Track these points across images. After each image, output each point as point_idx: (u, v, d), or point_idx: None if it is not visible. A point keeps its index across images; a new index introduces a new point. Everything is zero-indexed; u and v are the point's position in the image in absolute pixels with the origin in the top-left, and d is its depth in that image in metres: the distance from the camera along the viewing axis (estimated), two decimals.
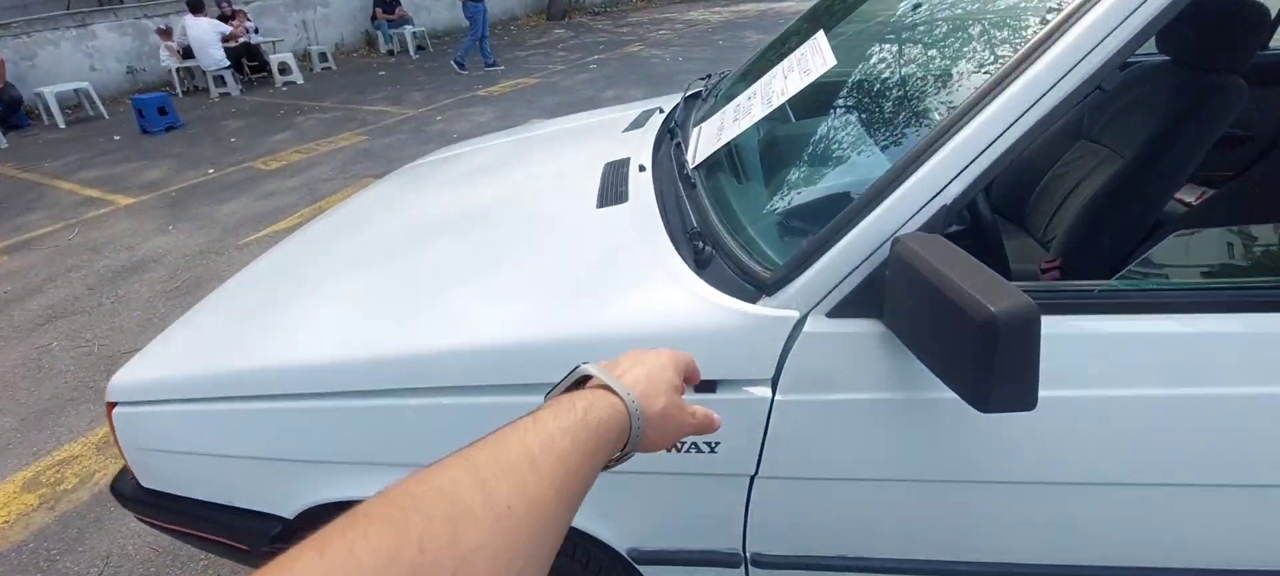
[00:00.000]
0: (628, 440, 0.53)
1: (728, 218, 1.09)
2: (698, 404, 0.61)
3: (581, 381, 0.55)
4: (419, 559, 0.34)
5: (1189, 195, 1.99)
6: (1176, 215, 1.80)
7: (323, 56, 10.09)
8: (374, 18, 10.96)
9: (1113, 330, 0.83)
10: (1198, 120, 1.50)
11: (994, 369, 0.62)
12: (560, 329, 0.95)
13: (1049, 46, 0.79)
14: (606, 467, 0.52)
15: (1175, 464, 0.87)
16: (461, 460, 0.41)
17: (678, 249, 1.06)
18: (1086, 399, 0.84)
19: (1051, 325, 0.75)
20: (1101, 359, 0.84)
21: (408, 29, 10.74)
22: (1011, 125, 0.80)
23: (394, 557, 0.33)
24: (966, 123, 0.82)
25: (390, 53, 10.81)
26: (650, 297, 0.96)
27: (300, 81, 9.14)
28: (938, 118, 0.85)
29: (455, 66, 8.92)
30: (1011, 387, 0.63)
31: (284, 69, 9.12)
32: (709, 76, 2.00)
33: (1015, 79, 0.80)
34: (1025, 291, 0.81)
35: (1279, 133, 2.06)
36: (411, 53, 10.64)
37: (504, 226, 1.31)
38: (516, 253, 1.19)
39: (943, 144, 0.82)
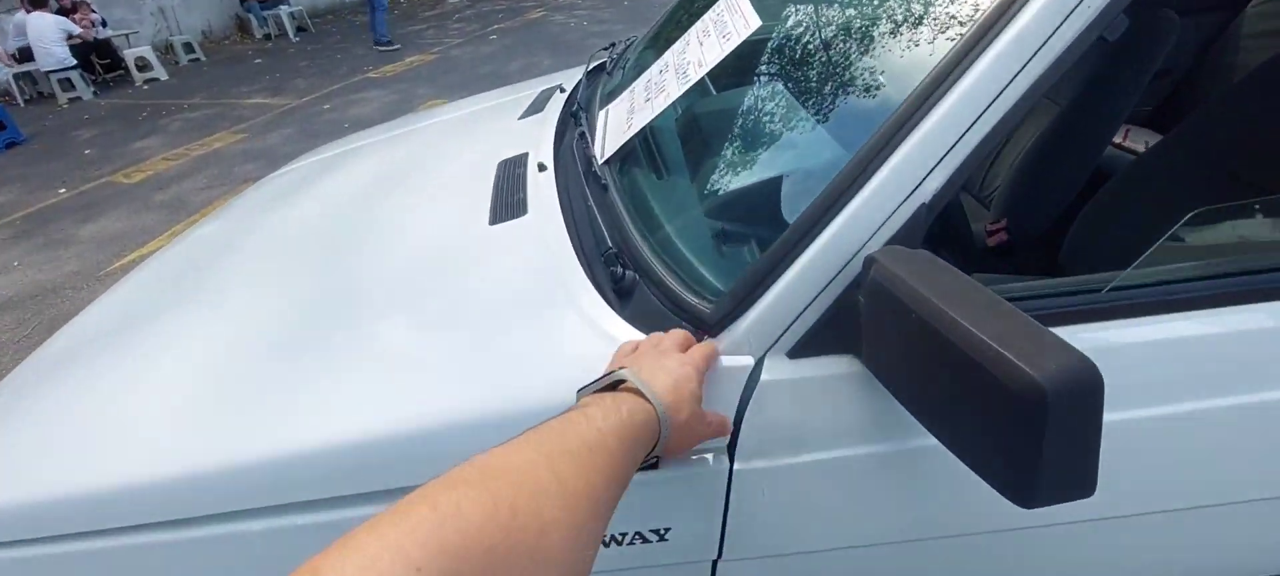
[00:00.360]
0: (655, 445, 0.57)
1: (650, 229, 0.88)
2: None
3: (615, 382, 0.59)
4: (511, 522, 0.39)
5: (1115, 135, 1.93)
6: (1119, 160, 1.73)
7: (188, 47, 9.09)
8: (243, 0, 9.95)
9: (1135, 338, 0.68)
10: (1134, 58, 1.41)
11: (1042, 454, 0.45)
12: (442, 414, 0.72)
13: None
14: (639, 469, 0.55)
15: (1230, 482, 0.74)
16: (529, 445, 0.46)
17: (592, 276, 0.84)
18: (1124, 422, 0.69)
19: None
20: (1129, 371, 0.68)
21: (284, 9, 9.82)
22: (1000, 93, 0.62)
23: (491, 517, 0.39)
24: (943, 95, 0.63)
25: (267, 37, 9.85)
26: (560, 351, 0.74)
27: (164, 77, 8.19)
28: (905, 89, 0.66)
29: (381, 48, 8.21)
30: (1064, 474, 0.46)
31: (143, 65, 8.15)
32: (613, 45, 1.76)
33: (999, 34, 0.62)
34: (1011, 298, 0.64)
35: (1195, 63, 2.02)
36: (291, 35, 9.74)
37: (376, 261, 1.05)
38: (391, 300, 0.93)
39: (915, 125, 0.64)
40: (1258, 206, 0.78)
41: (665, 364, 0.61)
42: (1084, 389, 0.44)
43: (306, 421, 0.76)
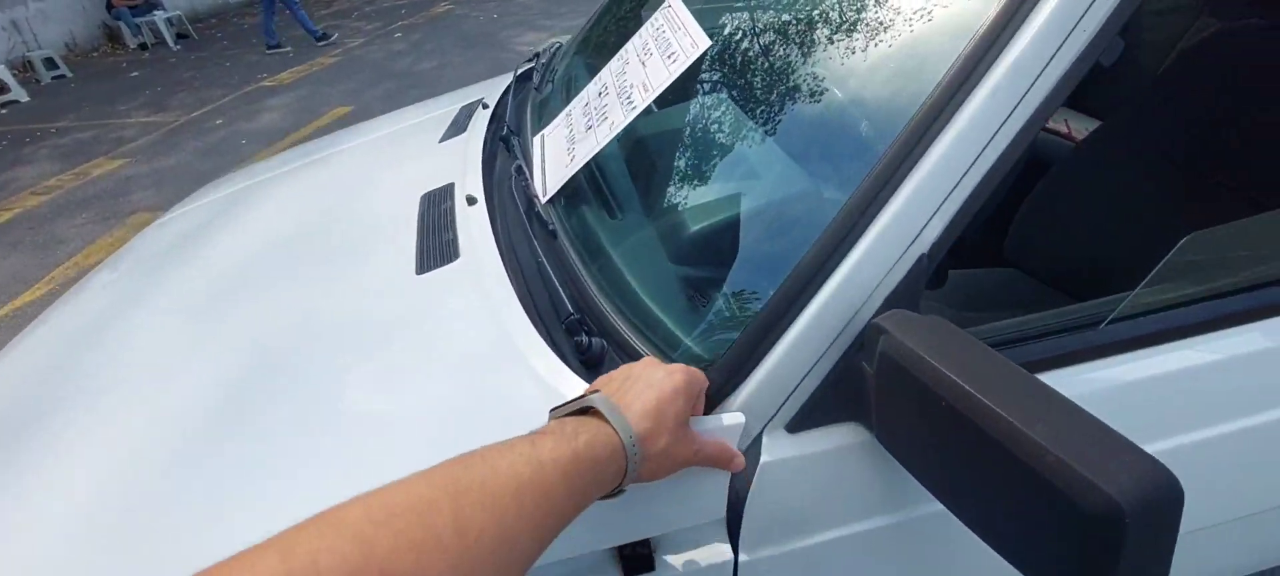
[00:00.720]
0: (623, 477, 0.50)
1: (612, 283, 0.79)
2: None
3: (586, 407, 0.52)
4: None
5: None
6: (1044, 144, 1.76)
7: (50, 63, 8.17)
8: (110, 7, 9.03)
9: (1142, 373, 0.65)
10: None
11: (1115, 574, 0.40)
12: None
13: (1035, 7, 0.56)
14: (602, 498, 0.51)
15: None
16: (446, 477, 0.41)
17: (549, 339, 0.74)
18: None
19: (1054, 381, 0.55)
20: (1138, 408, 0.65)
21: (159, 15, 8.97)
22: (999, 128, 0.57)
23: (353, 575, 0.33)
24: (940, 133, 0.57)
25: (143, 47, 8.98)
26: (519, 429, 0.65)
27: (25, 99, 7.33)
28: (896, 126, 0.60)
29: (316, 40, 7.57)
30: None
31: None
32: (538, 55, 1.64)
33: (993, 64, 0.57)
34: (1006, 342, 0.59)
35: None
36: (170, 43, 8.92)
37: (289, 331, 0.90)
38: (308, 384, 0.79)
39: (911, 168, 0.57)
40: (1247, 224, 0.77)
41: (651, 377, 0.55)
42: (1165, 504, 0.39)
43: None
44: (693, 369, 0.59)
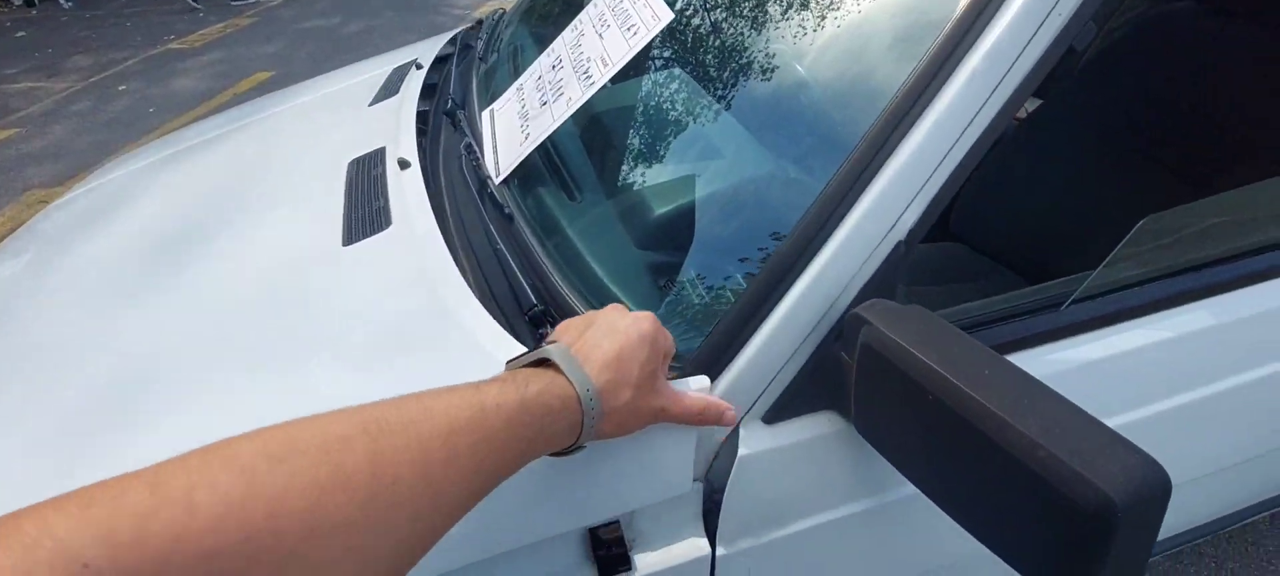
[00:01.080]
0: (579, 432, 0.47)
1: (577, 270, 0.75)
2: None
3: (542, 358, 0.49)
4: (260, 524, 0.30)
5: None
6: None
7: None
8: None
9: (1104, 351, 0.67)
10: None
11: (1103, 568, 0.40)
12: None
13: None
14: (555, 454, 0.48)
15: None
16: (368, 416, 0.36)
17: (499, 314, 0.70)
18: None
19: (1021, 361, 0.56)
20: (1101, 382, 0.67)
21: None
22: (976, 114, 0.56)
23: (231, 514, 0.30)
24: (918, 119, 0.56)
25: (28, 3, 8.13)
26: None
27: None
28: (873, 112, 0.58)
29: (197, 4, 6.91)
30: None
31: None
32: (479, 22, 1.56)
33: (970, 50, 0.56)
34: (972, 324, 0.60)
35: None
36: (62, 1, 8.12)
37: (200, 316, 0.82)
38: (218, 376, 0.72)
39: (890, 154, 0.56)
40: (1196, 207, 0.80)
41: (614, 323, 0.50)
42: (1154, 497, 0.39)
43: None
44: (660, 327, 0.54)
